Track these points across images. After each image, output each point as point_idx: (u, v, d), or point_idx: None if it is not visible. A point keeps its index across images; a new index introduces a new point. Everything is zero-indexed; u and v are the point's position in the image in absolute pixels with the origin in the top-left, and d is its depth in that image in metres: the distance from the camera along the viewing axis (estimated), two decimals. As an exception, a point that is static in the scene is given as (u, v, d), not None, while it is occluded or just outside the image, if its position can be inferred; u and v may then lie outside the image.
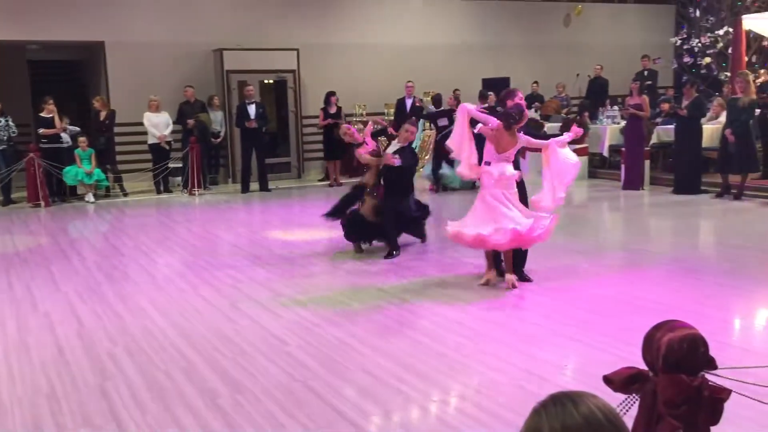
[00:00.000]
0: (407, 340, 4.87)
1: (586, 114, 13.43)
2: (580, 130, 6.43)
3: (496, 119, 6.08)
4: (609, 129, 12.94)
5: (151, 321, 5.47)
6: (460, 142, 6.20)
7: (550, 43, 16.99)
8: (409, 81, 13.80)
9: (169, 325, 5.36)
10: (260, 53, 14.00)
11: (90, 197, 12.02)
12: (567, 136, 6.17)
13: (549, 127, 14.10)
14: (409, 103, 13.73)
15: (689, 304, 5.47)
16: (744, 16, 11.83)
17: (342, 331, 5.07)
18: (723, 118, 11.00)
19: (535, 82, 15.62)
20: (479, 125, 6.14)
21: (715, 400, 1.65)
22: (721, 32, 12.97)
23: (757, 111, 10.27)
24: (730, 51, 12.27)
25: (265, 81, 14.48)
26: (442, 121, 12.19)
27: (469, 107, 6.31)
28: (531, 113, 14.57)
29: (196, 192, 12.49)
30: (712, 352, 1.83)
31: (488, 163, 6.12)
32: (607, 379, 1.77)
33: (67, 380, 4.34)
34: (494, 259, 6.29)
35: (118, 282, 6.73)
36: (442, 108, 12.86)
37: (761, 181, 10.63)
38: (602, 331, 4.93)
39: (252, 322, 5.38)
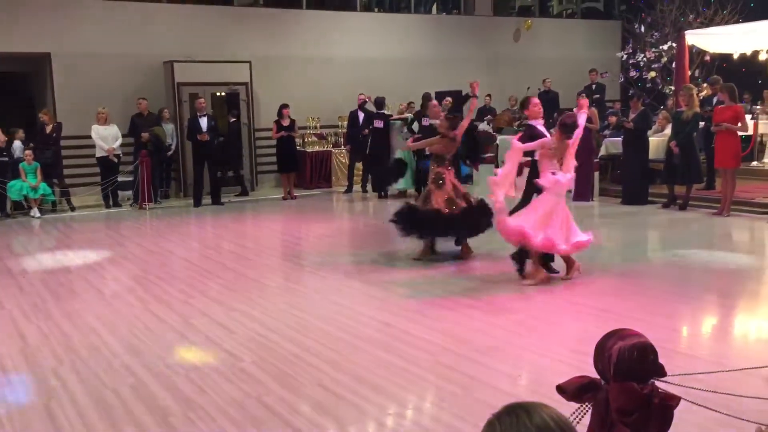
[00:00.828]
0: (363, 354, 4.84)
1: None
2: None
3: (548, 137, 6.68)
4: (559, 141, 13.14)
5: (99, 338, 5.33)
6: (506, 177, 6.59)
7: (502, 57, 17.24)
8: (361, 93, 13.86)
9: (118, 342, 5.23)
10: (212, 65, 13.87)
11: (35, 212, 11.70)
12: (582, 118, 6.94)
13: (501, 139, 14.31)
14: (361, 115, 13.79)
15: (638, 312, 5.58)
16: (687, 32, 12.19)
17: (296, 346, 5.02)
18: (668, 130, 11.29)
19: (488, 95, 15.82)
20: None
21: (665, 407, 1.68)
22: (665, 47, 13.35)
23: (701, 124, 10.57)
24: (674, 65, 12.62)
25: (218, 93, 14.35)
26: (378, 123, 12.44)
27: (520, 144, 6.68)
28: (484, 126, 14.81)
29: (147, 206, 12.26)
30: (661, 360, 1.86)
31: (554, 173, 6.56)
32: (560, 389, 1.78)
33: (11, 400, 4.19)
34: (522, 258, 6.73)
35: (64, 299, 6.55)
36: (382, 111, 13.27)
37: (705, 192, 10.93)
38: (555, 341, 4.99)
39: (204, 337, 5.29)
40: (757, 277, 6.85)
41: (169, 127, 13.41)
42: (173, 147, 13.50)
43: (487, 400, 4.02)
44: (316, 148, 14.77)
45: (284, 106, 13.31)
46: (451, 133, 7.43)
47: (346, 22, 15.69)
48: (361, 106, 13.71)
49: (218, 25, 14.40)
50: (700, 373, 2.89)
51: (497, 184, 6.54)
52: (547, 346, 4.87)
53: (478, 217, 7.48)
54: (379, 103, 13.27)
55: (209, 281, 7.10)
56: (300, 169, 14.14)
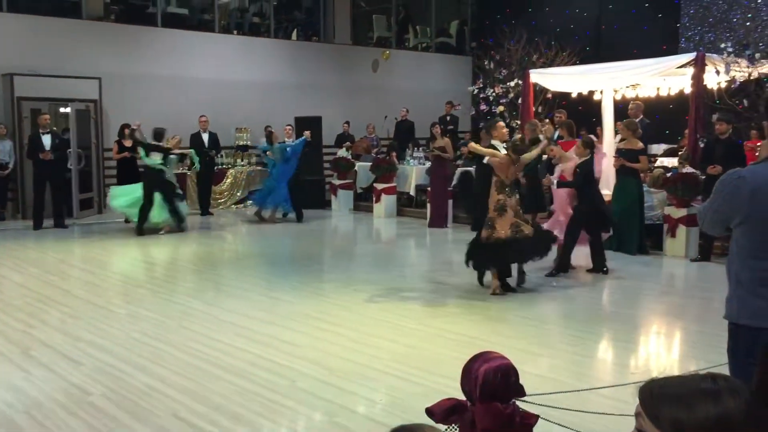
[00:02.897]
0: (219, 382, 4.71)
1: (394, 154, 14.01)
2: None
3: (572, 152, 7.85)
4: (416, 169, 13.59)
5: (-77, 374, 4.83)
6: None
7: (360, 85, 17.58)
8: (202, 115, 13.70)
9: (-54, 377, 4.76)
10: (58, 80, 13.10)
11: None
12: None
13: (359, 165, 14.56)
14: (205, 137, 13.61)
15: (489, 335, 5.83)
16: (531, 71, 13.02)
17: (150, 376, 4.80)
18: (515, 162, 11.94)
19: (347, 122, 16.05)
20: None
21: (525, 426, 1.78)
22: (512, 84, 14.17)
23: (545, 156, 11.28)
24: (520, 101, 13.42)
25: (63, 110, 13.55)
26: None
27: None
28: (342, 152, 14.99)
29: (-21, 228, 11.30)
30: (519, 380, 1.97)
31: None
32: (429, 411, 1.84)
33: None
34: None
35: None
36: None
37: (548, 220, 11.64)
38: (411, 364, 5.10)
39: (47, 371, 4.93)
40: (601, 302, 7.37)
41: (6, 144, 12.49)
42: (11, 165, 12.58)
43: (348, 425, 4.04)
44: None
45: (126, 125, 12.79)
46: (516, 157, 7.26)
47: (204, 43, 15.39)
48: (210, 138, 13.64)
49: (65, 38, 13.63)
50: (550, 393, 3.07)
51: None
52: (405, 369, 4.98)
53: (544, 239, 7.42)
54: (269, 135, 13.10)
55: (51, 309, 6.65)
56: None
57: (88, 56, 13.73)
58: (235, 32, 16.47)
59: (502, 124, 7.78)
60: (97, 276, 8.52)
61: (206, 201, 13.87)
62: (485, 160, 7.71)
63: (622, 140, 9.65)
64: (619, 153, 9.58)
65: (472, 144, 8.33)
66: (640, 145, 9.49)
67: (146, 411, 4.20)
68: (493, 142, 7.62)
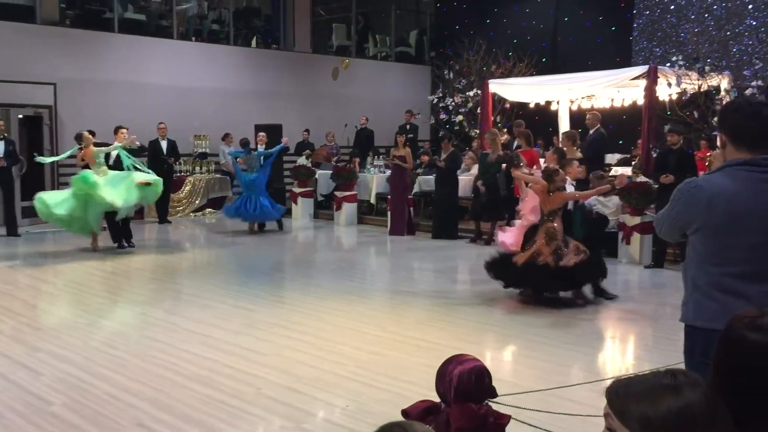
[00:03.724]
0: (184, 390, 4.69)
1: (357, 161, 14.07)
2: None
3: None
4: (376, 178, 13.67)
5: None
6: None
7: (320, 93, 17.61)
8: (161, 122, 13.57)
9: None
10: (10, 86, 12.83)
11: None
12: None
13: (319, 174, 14.57)
14: (164, 144, 13.49)
15: (452, 341, 5.92)
16: (490, 81, 13.25)
17: (112, 385, 4.75)
18: (475, 170, 12.15)
19: (306, 130, 16.05)
20: None
21: (498, 425, 1.85)
22: (471, 94, 14.37)
23: (503, 165, 11.48)
24: (479, 111, 13.62)
25: (19, 116, 13.27)
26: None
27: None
28: (302, 160, 14.98)
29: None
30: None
31: None
32: (405, 413, 1.90)
33: None
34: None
35: None
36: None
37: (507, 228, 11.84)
38: (376, 370, 5.15)
39: (6, 381, 4.84)
40: (557, 308, 7.52)
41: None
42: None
43: (314, 431, 4.07)
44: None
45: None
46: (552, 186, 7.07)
47: (162, 50, 15.24)
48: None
49: (19, 43, 13.36)
50: (511, 394, 3.15)
51: None
52: (370, 375, 5.02)
53: (588, 268, 7.17)
54: (245, 143, 12.54)
55: (8, 319, 6.52)
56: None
57: (43, 61, 13.48)
58: (193, 39, 16.35)
59: (577, 163, 7.69)
60: (53, 285, 8.38)
61: (164, 209, 13.71)
62: (528, 187, 7.66)
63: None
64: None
65: (517, 172, 8.02)
66: (580, 155, 9.76)
67: (109, 420, 4.17)
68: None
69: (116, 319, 6.67)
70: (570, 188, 7.43)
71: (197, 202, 14.80)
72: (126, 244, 10.57)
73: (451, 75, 15.09)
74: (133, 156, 10.85)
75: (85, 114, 13.65)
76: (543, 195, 7.11)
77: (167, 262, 9.87)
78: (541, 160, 11.31)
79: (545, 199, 7.10)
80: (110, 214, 10.35)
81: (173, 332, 6.15)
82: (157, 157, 13.41)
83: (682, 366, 2.75)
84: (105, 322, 6.57)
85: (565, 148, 9.80)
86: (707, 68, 10.82)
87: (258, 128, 14.81)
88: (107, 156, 10.52)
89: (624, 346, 6.36)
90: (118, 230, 10.54)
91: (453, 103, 14.69)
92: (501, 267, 7.41)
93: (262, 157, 12.24)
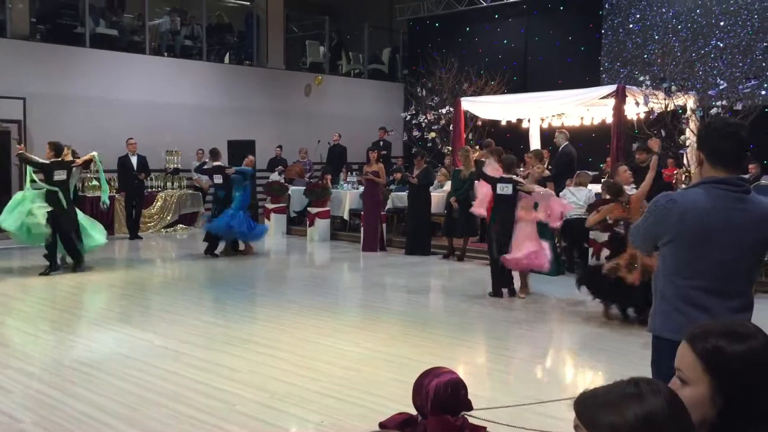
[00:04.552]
0: (157, 407, 4.66)
1: (329, 177, 14.10)
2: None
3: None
4: (349, 194, 13.71)
5: None
6: None
7: (293, 109, 17.64)
8: (130, 138, 13.51)
9: None
10: (-20, 99, 12.68)
11: None
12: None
13: (292, 190, 14.58)
14: (134, 160, 13.42)
15: (425, 356, 5.94)
16: (462, 98, 13.39)
17: (82, 402, 4.70)
18: (447, 186, 12.25)
19: (279, 147, 16.06)
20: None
21: (474, 436, 1.89)
22: (443, 111, 14.51)
23: (476, 182, 11.59)
24: (451, 128, 13.76)
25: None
26: (217, 178, 11.79)
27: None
28: (275, 176, 14.98)
29: None
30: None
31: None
32: (382, 425, 1.93)
33: None
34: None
35: None
36: (219, 164, 11.89)
37: (479, 244, 11.94)
38: (350, 385, 5.16)
39: (-26, 399, 4.77)
40: (526, 322, 7.60)
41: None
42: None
43: (289, 447, 4.07)
44: (97, 193, 13.95)
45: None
46: (625, 197, 7.12)
47: (134, 65, 15.17)
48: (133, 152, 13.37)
49: (-12, 56, 13.23)
50: (492, 408, 3.20)
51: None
52: (344, 391, 5.03)
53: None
54: (214, 153, 12.03)
55: (-25, 336, 6.41)
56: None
57: (12, 76, 13.34)
58: (166, 54, 16.30)
59: (624, 167, 8.05)
60: (21, 301, 8.25)
61: (135, 225, 13.60)
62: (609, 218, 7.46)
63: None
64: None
65: (601, 209, 7.70)
66: (547, 172, 9.96)
67: (81, 438, 4.13)
68: (571, 189, 8.51)
69: (87, 335, 6.59)
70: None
71: (168, 218, 14.70)
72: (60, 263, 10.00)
73: (424, 92, 15.22)
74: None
75: (55, 129, 13.49)
76: (622, 211, 7.16)
77: (138, 278, 9.78)
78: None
79: (627, 213, 7.08)
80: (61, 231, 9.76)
81: (145, 349, 6.10)
82: (128, 173, 13.33)
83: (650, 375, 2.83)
84: (75, 338, 6.49)
85: (532, 165, 10.02)
86: (674, 88, 11.07)
87: (231, 144, 14.82)
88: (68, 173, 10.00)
89: (592, 358, 6.44)
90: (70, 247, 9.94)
91: (426, 120, 14.82)
92: (595, 279, 7.34)
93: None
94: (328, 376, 5.37)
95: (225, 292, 9.18)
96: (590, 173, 10.64)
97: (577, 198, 9.91)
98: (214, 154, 12.04)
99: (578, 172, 9.79)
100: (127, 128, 14.28)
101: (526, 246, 8.24)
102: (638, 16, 15.16)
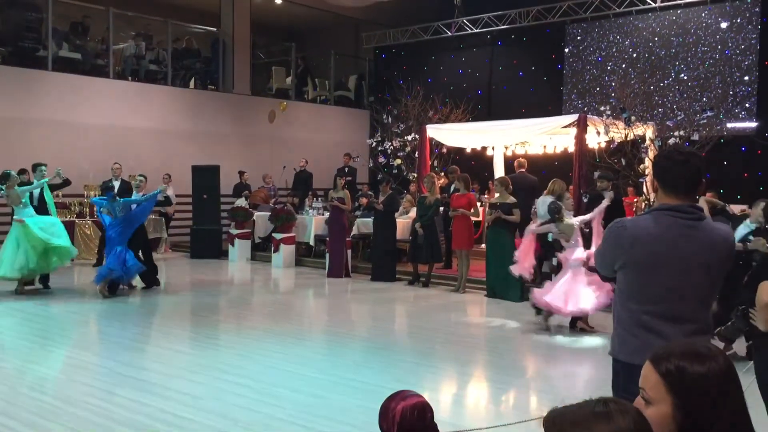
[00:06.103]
0: (118, 437, 4.57)
1: (294, 200, 14.07)
2: None
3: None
4: (314, 219, 13.69)
5: None
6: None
7: (258, 135, 17.64)
8: (116, 163, 13.33)
9: None
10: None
11: None
12: None
13: (257, 215, 14.50)
14: (117, 184, 13.19)
15: (390, 382, 5.93)
16: (427, 126, 13.54)
17: (41, 432, 4.59)
18: (413, 213, 12.31)
19: (244, 172, 16.00)
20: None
21: (440, 459, 1.90)
22: (409, 138, 14.64)
23: (441, 209, 11.70)
24: (416, 155, 13.88)
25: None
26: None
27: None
28: (241, 201, 14.91)
29: None
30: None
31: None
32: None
33: None
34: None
35: None
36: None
37: (444, 270, 12.02)
38: (315, 412, 5.13)
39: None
40: (490, 347, 7.65)
41: None
42: None
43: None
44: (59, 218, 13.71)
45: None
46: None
47: (98, 89, 15.04)
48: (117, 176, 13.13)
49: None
50: (470, 431, 3.22)
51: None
52: (309, 418, 5.00)
53: None
54: None
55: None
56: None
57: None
58: (130, 78, 16.19)
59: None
60: (-23, 329, 8.04)
61: (99, 250, 13.36)
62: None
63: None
64: (494, 207, 10.15)
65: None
66: (512, 199, 10.12)
67: (39, 469, 4.03)
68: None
69: (45, 363, 6.45)
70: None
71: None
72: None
73: (390, 119, 15.34)
74: (57, 188, 10.81)
75: (17, 153, 13.30)
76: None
77: (98, 305, 9.59)
78: (477, 204, 11.60)
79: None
80: None
81: (105, 376, 5.99)
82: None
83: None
84: (33, 366, 6.34)
85: (497, 193, 10.19)
86: (633, 118, 11.35)
87: (195, 169, 14.74)
88: (31, 195, 10.32)
89: (558, 380, 6.50)
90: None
91: (391, 147, 14.91)
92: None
93: (131, 205, 10.37)
94: (292, 403, 5.33)
95: (186, 318, 9.07)
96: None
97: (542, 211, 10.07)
98: (106, 189, 10.99)
99: (554, 179, 9.68)
100: (90, 152, 14.12)
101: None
102: (597, 47, 15.54)
